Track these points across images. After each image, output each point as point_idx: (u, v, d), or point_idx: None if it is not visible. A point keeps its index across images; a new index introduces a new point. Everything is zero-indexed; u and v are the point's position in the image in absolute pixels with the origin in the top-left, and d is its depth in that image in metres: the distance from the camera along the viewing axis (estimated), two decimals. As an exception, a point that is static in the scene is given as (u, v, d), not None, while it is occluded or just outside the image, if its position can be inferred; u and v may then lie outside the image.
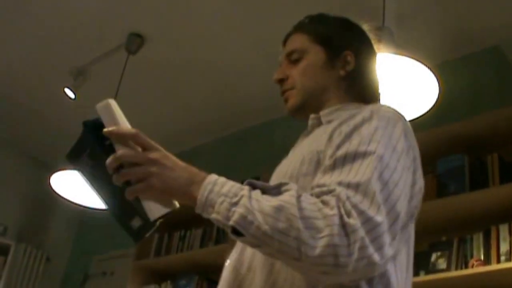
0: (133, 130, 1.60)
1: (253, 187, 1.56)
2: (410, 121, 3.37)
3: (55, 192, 5.07)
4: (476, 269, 3.70)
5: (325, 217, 1.46)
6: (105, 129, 1.57)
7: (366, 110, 1.78)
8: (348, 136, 1.68)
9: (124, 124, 1.61)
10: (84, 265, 6.82)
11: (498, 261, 3.70)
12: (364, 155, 1.61)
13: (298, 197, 1.49)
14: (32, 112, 6.37)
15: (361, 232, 1.45)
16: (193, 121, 6.12)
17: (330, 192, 1.53)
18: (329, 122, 1.93)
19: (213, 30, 4.98)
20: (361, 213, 1.47)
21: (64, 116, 6.24)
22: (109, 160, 1.54)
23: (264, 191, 1.54)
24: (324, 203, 1.50)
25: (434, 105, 3.43)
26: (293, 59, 2.09)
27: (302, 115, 2.07)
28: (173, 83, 5.70)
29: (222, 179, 1.57)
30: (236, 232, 1.50)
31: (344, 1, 4.36)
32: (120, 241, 6.35)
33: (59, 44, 5.40)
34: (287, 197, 1.50)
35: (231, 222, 1.48)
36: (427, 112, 3.46)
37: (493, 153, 4.05)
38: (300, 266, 1.49)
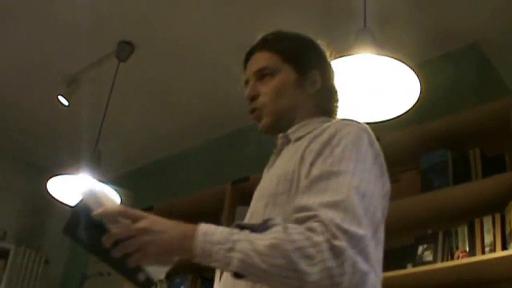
0: (119, 208, 1.70)
1: (241, 228, 1.65)
2: (393, 119, 3.47)
3: (52, 196, 5.10)
4: (461, 260, 3.71)
5: (315, 245, 1.56)
6: (94, 213, 1.66)
7: (331, 127, 1.88)
8: (319, 154, 1.78)
9: (109, 203, 1.71)
10: (82, 267, 6.83)
11: (483, 252, 3.73)
12: (338, 173, 1.71)
13: (286, 229, 1.60)
14: (28, 118, 6.42)
15: (349, 250, 1.57)
16: (183, 125, 6.15)
17: (314, 217, 1.62)
18: (297, 139, 2.02)
19: (201, 36, 5.03)
20: (345, 232, 1.58)
21: (59, 122, 6.29)
22: (104, 239, 1.64)
23: (253, 230, 1.63)
24: (311, 230, 1.59)
25: (416, 103, 3.45)
26: (263, 76, 2.12)
27: (274, 132, 2.12)
28: (163, 89, 5.73)
29: (211, 228, 1.64)
30: (237, 274, 1.59)
31: (326, 3, 4.41)
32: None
33: (52, 53, 5.44)
34: (277, 234, 1.59)
35: (231, 268, 1.57)
36: (409, 110, 3.47)
37: (475, 148, 4.09)
38: None
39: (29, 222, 7.04)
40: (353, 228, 1.60)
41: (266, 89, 2.10)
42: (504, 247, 3.67)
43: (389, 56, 3.29)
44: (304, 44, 2.23)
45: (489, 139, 4.16)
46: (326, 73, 2.21)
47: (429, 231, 4.09)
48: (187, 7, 4.79)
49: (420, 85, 3.37)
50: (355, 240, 1.59)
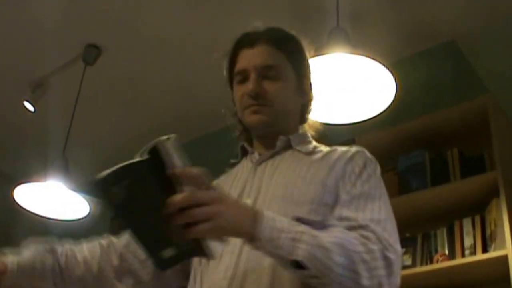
0: (200, 171, 1.56)
1: (300, 222, 1.67)
2: (369, 119, 3.42)
3: (19, 205, 5.02)
4: (441, 264, 3.72)
5: (371, 251, 1.64)
6: (174, 170, 1.51)
7: (360, 152, 1.99)
8: (359, 176, 1.89)
9: (182, 163, 1.55)
10: (49, 277, 6.73)
11: (463, 255, 3.73)
12: (377, 197, 1.85)
13: (344, 231, 1.68)
14: (-7, 125, 6.31)
15: (396, 264, 1.70)
16: (153, 129, 6.06)
17: (365, 227, 1.71)
18: (308, 152, 2.03)
19: (170, 37, 4.97)
20: (393, 247, 1.71)
21: (25, 128, 6.17)
22: (177, 200, 1.47)
23: (310, 225, 1.67)
24: (365, 237, 1.68)
25: (392, 103, 3.42)
26: (270, 75, 2.05)
27: (264, 131, 2.07)
28: (132, 92, 5.67)
29: (275, 215, 1.62)
30: (297, 265, 1.57)
31: (298, 2, 4.36)
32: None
33: (17, 57, 5.34)
34: (338, 233, 1.66)
35: (297, 257, 1.56)
36: (385, 110, 3.46)
37: (453, 148, 4.06)
38: None
39: (-5, 231, 6.92)
40: (397, 245, 1.75)
41: (274, 89, 2.05)
42: (485, 250, 3.67)
43: (363, 55, 3.25)
44: (303, 49, 2.20)
45: (467, 138, 4.15)
46: (312, 83, 2.21)
47: (407, 235, 4.08)
48: (154, 9, 4.73)
49: (396, 84, 3.35)
50: (399, 257, 1.73)
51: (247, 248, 1.73)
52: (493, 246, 3.59)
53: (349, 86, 3.36)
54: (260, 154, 2.06)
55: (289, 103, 2.09)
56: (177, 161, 1.52)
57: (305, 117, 2.19)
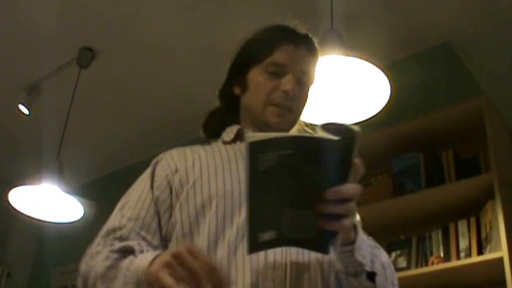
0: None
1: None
2: (363, 121, 3.41)
3: (13, 208, 5.01)
4: (436, 266, 3.70)
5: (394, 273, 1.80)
6: (356, 161, 1.51)
7: None
8: None
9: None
10: (45, 279, 6.78)
11: (458, 258, 3.70)
12: None
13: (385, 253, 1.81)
14: (-12, 128, 6.30)
15: None
16: (146, 133, 6.10)
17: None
18: None
19: (164, 41, 4.97)
20: None
21: (20, 131, 6.18)
22: (351, 188, 1.50)
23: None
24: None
25: (386, 104, 3.40)
26: (302, 81, 2.03)
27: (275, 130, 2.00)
28: (126, 95, 5.67)
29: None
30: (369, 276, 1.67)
31: (292, 4, 4.35)
32: (80, 254, 6.30)
33: (12, 60, 5.35)
34: (385, 258, 1.77)
35: (372, 269, 1.66)
36: (379, 112, 3.45)
37: (448, 149, 4.05)
38: None
39: (-11, 235, 6.91)
40: None
41: (301, 98, 2.06)
42: (480, 252, 3.65)
43: (357, 57, 3.23)
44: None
45: (462, 140, 4.14)
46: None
47: (402, 237, 4.08)
48: (149, 13, 4.73)
49: (390, 86, 3.34)
50: None
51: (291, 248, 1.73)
52: (488, 248, 3.58)
53: (343, 88, 3.35)
54: None
55: (303, 111, 2.10)
56: (355, 151, 1.49)
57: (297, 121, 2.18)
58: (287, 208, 1.48)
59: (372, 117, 3.48)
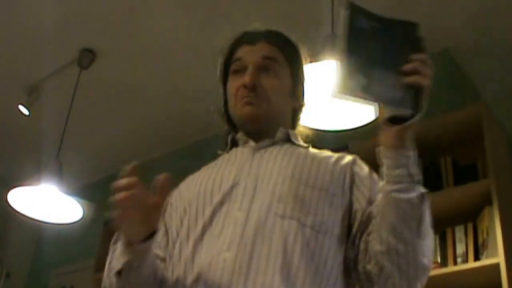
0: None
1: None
2: (362, 126, 3.41)
3: (13, 208, 5.01)
4: (433, 271, 3.67)
5: None
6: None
7: (358, 160, 2.02)
8: (374, 183, 1.90)
9: None
10: (44, 280, 6.77)
11: (455, 263, 3.72)
12: None
13: None
14: (-13, 129, 6.30)
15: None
16: (146, 135, 6.10)
17: None
18: (306, 148, 2.05)
19: (165, 44, 4.98)
20: None
21: (19, 132, 6.19)
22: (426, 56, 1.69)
23: None
24: None
25: (385, 110, 3.40)
26: (268, 68, 2.04)
27: (253, 126, 2.04)
28: (126, 97, 5.67)
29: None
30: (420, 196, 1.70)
31: (292, 9, 4.37)
32: (79, 255, 6.31)
33: (12, 61, 5.35)
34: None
35: (422, 189, 1.73)
36: (379, 117, 3.44)
37: (446, 156, 4.05)
38: None
39: (-11, 236, 6.91)
40: None
41: (270, 84, 2.04)
42: (477, 258, 3.66)
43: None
44: (301, 55, 2.20)
45: (460, 147, 4.13)
46: (305, 92, 2.20)
47: None
48: (150, 14, 4.74)
49: (390, 92, 3.28)
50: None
51: (254, 218, 1.74)
52: (485, 254, 3.58)
53: (343, 93, 3.35)
54: (256, 143, 2.02)
55: (282, 104, 2.07)
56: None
57: (296, 123, 2.18)
58: (377, 66, 1.64)
59: (371, 122, 3.47)
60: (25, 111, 5.47)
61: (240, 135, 2.07)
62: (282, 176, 1.84)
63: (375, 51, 1.65)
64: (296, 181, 1.82)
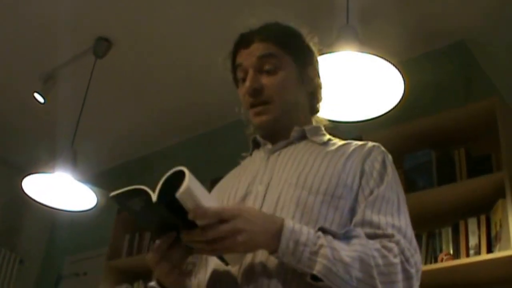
0: (219, 209, 1.60)
1: (324, 232, 1.67)
2: (377, 117, 3.41)
3: (27, 195, 5.03)
4: (445, 263, 3.69)
5: (391, 265, 1.65)
6: (190, 214, 1.55)
7: (376, 147, 1.97)
8: (382, 177, 1.87)
9: (206, 199, 1.59)
10: (57, 267, 6.80)
11: (467, 255, 3.71)
12: (398, 197, 1.85)
13: (367, 244, 1.67)
14: (3, 116, 6.34)
15: (415, 278, 1.71)
16: (160, 123, 6.12)
17: (389, 237, 1.71)
18: (323, 143, 2.02)
19: (180, 33, 4.99)
20: (414, 259, 1.71)
21: (34, 120, 6.22)
22: (193, 235, 1.58)
23: (334, 237, 1.66)
24: (387, 249, 1.68)
25: (400, 101, 3.39)
26: (267, 68, 2.02)
27: (273, 129, 2.04)
28: (141, 86, 5.69)
29: (297, 226, 1.64)
30: (314, 278, 1.62)
31: (308, 0, 4.37)
32: (92, 242, 6.34)
33: (28, 49, 5.38)
34: (359, 247, 1.65)
35: (314, 272, 1.60)
36: (393, 108, 3.44)
37: (460, 147, 4.05)
38: None
39: (3, 222, 6.96)
40: (417, 255, 1.75)
41: (272, 83, 2.02)
42: (490, 250, 3.65)
43: (372, 54, 3.23)
44: (301, 37, 2.16)
45: (474, 139, 4.14)
46: (318, 70, 2.18)
47: None
48: (166, 3, 4.74)
49: (404, 83, 3.32)
50: (419, 270, 1.74)
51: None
52: (498, 246, 3.58)
53: (357, 84, 3.34)
54: (273, 145, 2.04)
55: (291, 94, 2.05)
56: (192, 204, 1.55)
57: (315, 107, 2.17)
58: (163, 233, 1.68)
59: (386, 113, 3.48)
60: (40, 99, 5.50)
61: (259, 137, 2.10)
62: (287, 183, 1.86)
63: (153, 223, 1.70)
64: (299, 188, 1.83)
